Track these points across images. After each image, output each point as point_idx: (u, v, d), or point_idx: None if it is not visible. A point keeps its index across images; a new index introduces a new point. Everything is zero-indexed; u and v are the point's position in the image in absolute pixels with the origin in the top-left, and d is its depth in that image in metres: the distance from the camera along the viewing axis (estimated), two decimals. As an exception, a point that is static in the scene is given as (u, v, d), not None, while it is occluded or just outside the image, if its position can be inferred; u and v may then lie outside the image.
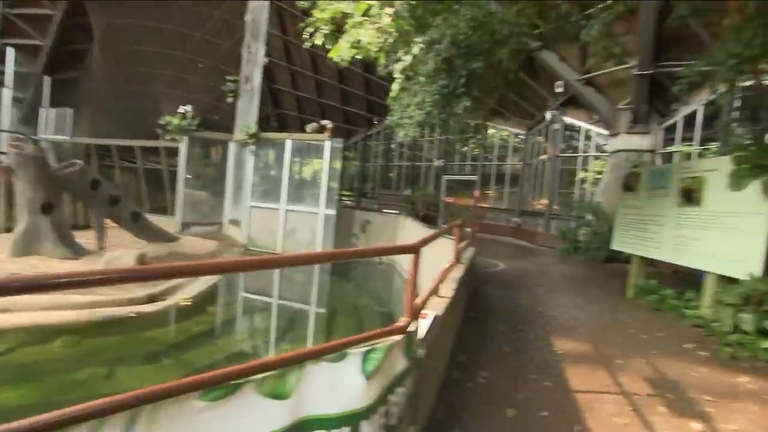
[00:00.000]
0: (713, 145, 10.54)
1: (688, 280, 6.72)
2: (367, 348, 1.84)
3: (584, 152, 14.25)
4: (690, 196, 6.09)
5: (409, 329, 2.14)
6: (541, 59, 12.97)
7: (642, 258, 7.10)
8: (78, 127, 19.49)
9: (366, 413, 1.76)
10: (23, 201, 9.09)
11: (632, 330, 5.32)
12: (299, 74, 22.14)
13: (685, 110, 11.11)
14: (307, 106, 23.78)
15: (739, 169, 5.17)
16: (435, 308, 3.21)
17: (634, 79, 11.01)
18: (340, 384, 1.70)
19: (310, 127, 12.33)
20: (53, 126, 19.13)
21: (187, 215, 14.08)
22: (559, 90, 13.53)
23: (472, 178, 19.65)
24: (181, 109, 14.14)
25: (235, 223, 13.96)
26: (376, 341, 1.93)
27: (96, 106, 19.96)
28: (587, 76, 12.15)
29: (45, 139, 19.41)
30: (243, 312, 8.69)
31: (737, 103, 7.74)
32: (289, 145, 12.62)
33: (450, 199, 20.61)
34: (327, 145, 12.14)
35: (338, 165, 12.23)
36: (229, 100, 13.48)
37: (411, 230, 11.71)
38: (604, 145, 13.49)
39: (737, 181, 5.18)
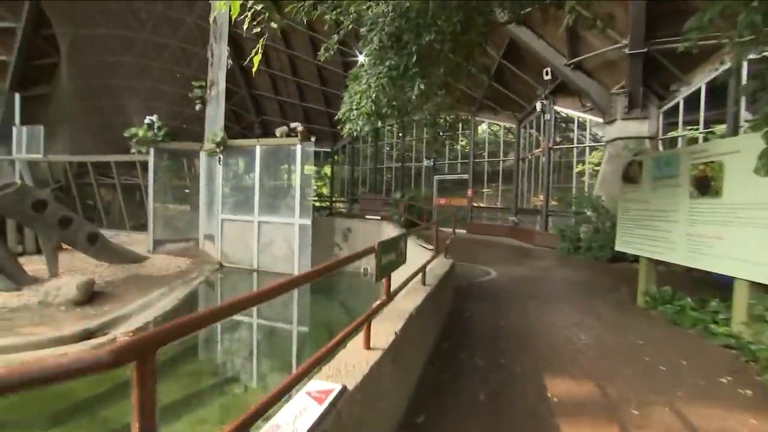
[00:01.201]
0: (720, 127, 9.40)
1: (708, 281, 5.57)
2: None
3: (579, 143, 13.12)
4: (706, 185, 4.96)
5: None
6: (525, 45, 11.88)
7: (651, 259, 5.96)
8: (53, 145, 18.53)
9: None
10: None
11: (647, 357, 4.18)
12: (279, 78, 21.13)
13: (685, 91, 9.97)
14: (290, 110, 22.77)
15: (771, 147, 4.03)
16: (349, 373, 2.10)
17: (627, 59, 9.90)
18: None
19: (279, 130, 11.26)
20: (25, 144, 18.19)
21: (159, 232, 13.02)
22: (547, 77, 12.42)
23: (465, 176, 18.54)
24: (147, 119, 13.13)
25: (210, 238, 12.88)
26: None
27: (69, 122, 18.99)
28: (576, 59, 11.04)
29: (19, 158, 18.49)
30: (201, 342, 7.58)
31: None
32: (258, 151, 11.56)
33: (443, 200, 19.51)
34: (298, 149, 11.07)
35: (311, 170, 11.15)
36: (198, 107, 12.47)
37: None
38: (602, 136, 12.38)
39: (769, 163, 4.04)
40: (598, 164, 12.61)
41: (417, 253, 6.24)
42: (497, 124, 17.68)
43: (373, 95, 4.89)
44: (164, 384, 5.89)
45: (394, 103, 5.16)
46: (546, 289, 7.37)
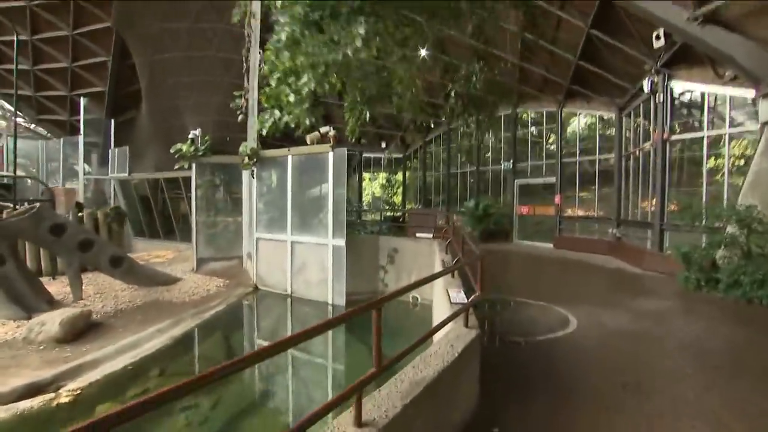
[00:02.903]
0: None
1: None
2: None
3: (712, 129, 9.20)
4: None
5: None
6: (624, 1, 8.52)
7: None
8: (141, 163, 19.45)
9: None
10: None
11: None
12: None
13: None
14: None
15: None
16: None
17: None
18: None
19: (310, 137, 9.51)
20: (117, 165, 19.33)
21: (203, 250, 12.17)
22: (659, 43, 8.87)
23: (551, 180, 15.09)
24: (191, 134, 12.42)
25: (250, 257, 11.65)
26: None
27: (153, 142, 19.76)
28: (707, 8, 7.44)
29: (112, 177, 19.70)
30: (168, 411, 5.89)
31: None
32: (290, 161, 9.94)
33: (525, 209, 16.23)
34: (330, 157, 9.18)
35: (343, 181, 9.14)
36: (240, 117, 11.39)
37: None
38: (748, 119, 8.48)
39: None
40: (743, 157, 8.66)
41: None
42: (591, 115, 13.99)
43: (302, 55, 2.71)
44: None
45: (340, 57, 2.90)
46: (663, 365, 4.32)
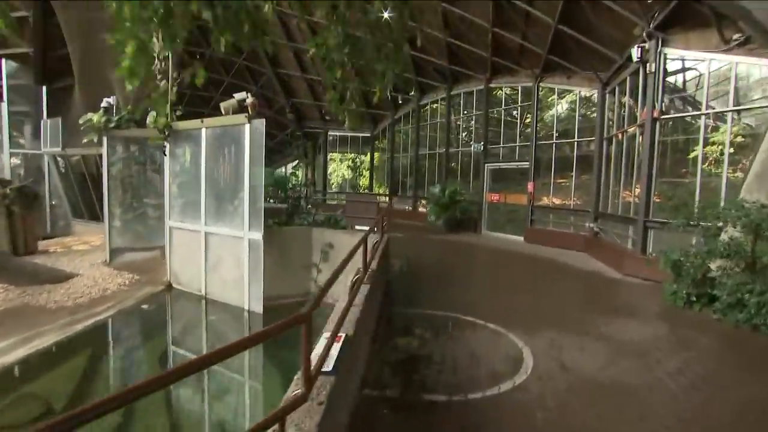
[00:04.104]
0: None
1: None
2: None
3: (709, 109, 7.48)
4: None
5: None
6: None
7: None
8: (78, 137, 17.05)
9: None
10: None
11: None
12: (303, 52, 17.43)
13: None
14: (320, 89, 19.12)
15: None
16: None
17: None
18: None
19: (225, 105, 7.50)
20: (48, 138, 16.90)
21: (117, 239, 10.15)
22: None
23: (525, 164, 13.37)
24: (104, 102, 10.25)
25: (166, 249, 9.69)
26: None
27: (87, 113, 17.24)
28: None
29: (44, 152, 17.32)
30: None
31: None
32: (203, 135, 7.93)
33: (495, 196, 14.54)
34: (246, 130, 7.20)
35: (261, 159, 7.18)
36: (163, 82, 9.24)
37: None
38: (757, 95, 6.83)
39: None
40: (743, 141, 7.03)
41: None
42: (571, 91, 12.20)
43: None
44: None
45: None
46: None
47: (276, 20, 16.03)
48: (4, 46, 16.89)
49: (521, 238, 12.98)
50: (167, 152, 8.61)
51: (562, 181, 12.81)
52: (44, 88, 17.75)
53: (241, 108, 7.50)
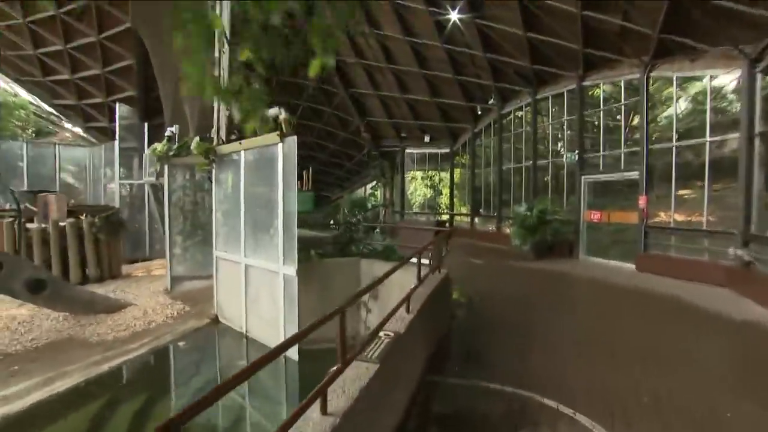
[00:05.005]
0: None
1: None
2: None
3: None
4: None
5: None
6: None
7: None
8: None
9: None
10: None
11: None
12: (375, 69, 16.78)
13: None
14: (394, 106, 18.29)
15: None
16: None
17: None
18: None
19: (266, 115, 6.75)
20: (147, 169, 18.60)
21: (178, 267, 10.07)
22: None
23: (632, 175, 10.71)
24: (167, 131, 10.42)
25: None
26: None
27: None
28: None
29: (144, 182, 19.02)
30: None
31: None
32: (242, 159, 7.28)
33: (596, 215, 11.95)
34: (279, 149, 6.31)
35: (293, 181, 6.18)
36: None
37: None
38: None
39: None
40: None
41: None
42: (697, 78, 9.40)
43: None
44: None
45: None
46: None
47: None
48: (118, 91, 19.19)
49: (631, 266, 10.25)
50: (213, 178, 8.17)
51: (685, 192, 9.90)
52: (146, 125, 19.64)
53: (275, 125, 6.68)
